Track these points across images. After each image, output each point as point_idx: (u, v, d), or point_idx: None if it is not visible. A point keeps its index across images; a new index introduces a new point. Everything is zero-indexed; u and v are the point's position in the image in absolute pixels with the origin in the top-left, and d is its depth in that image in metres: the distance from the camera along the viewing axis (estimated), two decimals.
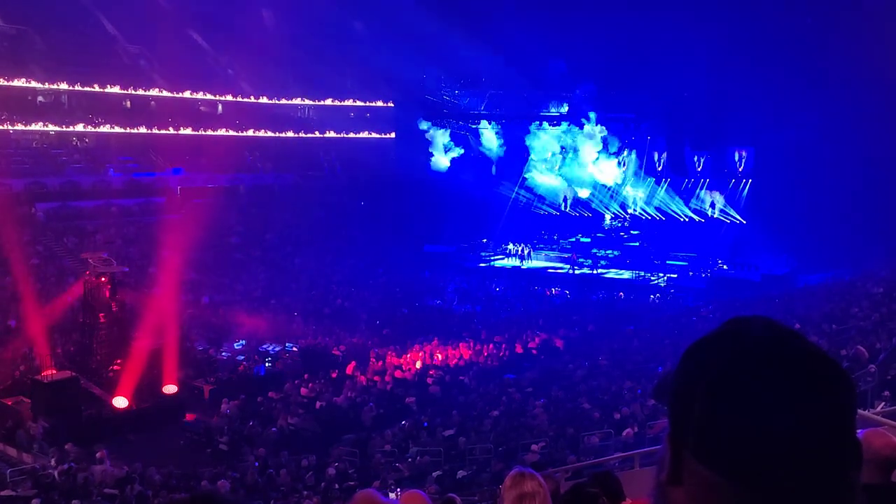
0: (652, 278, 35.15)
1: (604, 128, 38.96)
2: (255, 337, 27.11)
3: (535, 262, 38.23)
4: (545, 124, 40.76)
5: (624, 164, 39.63)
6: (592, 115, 38.92)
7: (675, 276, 35.07)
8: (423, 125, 42.23)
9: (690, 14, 33.24)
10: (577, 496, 4.29)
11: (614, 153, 39.54)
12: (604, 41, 35.42)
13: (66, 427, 19.16)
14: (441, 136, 42.30)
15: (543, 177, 40.96)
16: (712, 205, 37.54)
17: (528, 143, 40.99)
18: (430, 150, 42.41)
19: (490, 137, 42.13)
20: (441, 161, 42.37)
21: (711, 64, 33.10)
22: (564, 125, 40.16)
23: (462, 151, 42.60)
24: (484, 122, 42.14)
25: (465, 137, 42.86)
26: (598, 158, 39.55)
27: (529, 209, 41.41)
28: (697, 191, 37.97)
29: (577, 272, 36.32)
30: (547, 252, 39.16)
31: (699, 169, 38.22)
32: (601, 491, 4.25)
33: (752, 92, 33.31)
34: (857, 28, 30.07)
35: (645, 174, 39.28)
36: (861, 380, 13.11)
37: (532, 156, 41.07)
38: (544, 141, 40.76)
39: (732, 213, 37.12)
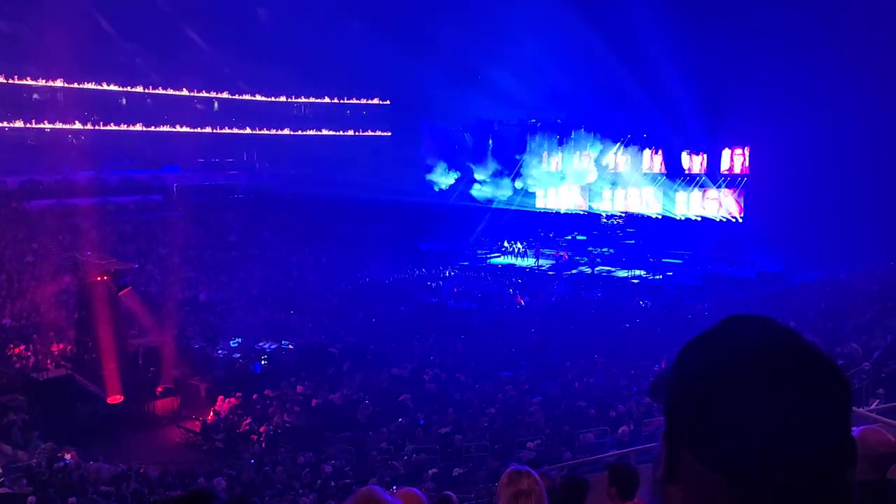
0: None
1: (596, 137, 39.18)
2: (251, 335, 27.10)
3: (530, 261, 38.31)
4: (541, 123, 40.83)
5: (619, 163, 39.67)
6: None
7: (671, 273, 35.15)
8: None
9: (688, 11, 33.28)
10: (569, 485, 4.32)
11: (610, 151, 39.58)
12: (601, 40, 35.43)
13: (62, 425, 19.13)
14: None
15: (539, 174, 40.98)
16: (708, 203, 37.59)
17: (525, 141, 41.04)
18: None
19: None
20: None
21: (708, 62, 33.14)
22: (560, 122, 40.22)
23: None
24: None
25: (462, 138, 42.88)
26: (593, 157, 39.62)
27: (527, 207, 41.44)
28: (693, 189, 38.00)
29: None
30: (543, 250, 39.22)
31: (695, 167, 38.24)
32: (613, 482, 4.23)
33: (749, 91, 33.36)
34: (853, 26, 30.14)
35: (641, 172, 39.31)
36: (856, 377, 13.18)
37: (528, 154, 41.11)
38: (540, 140, 40.81)
39: (729, 210, 37.16)
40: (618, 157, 39.66)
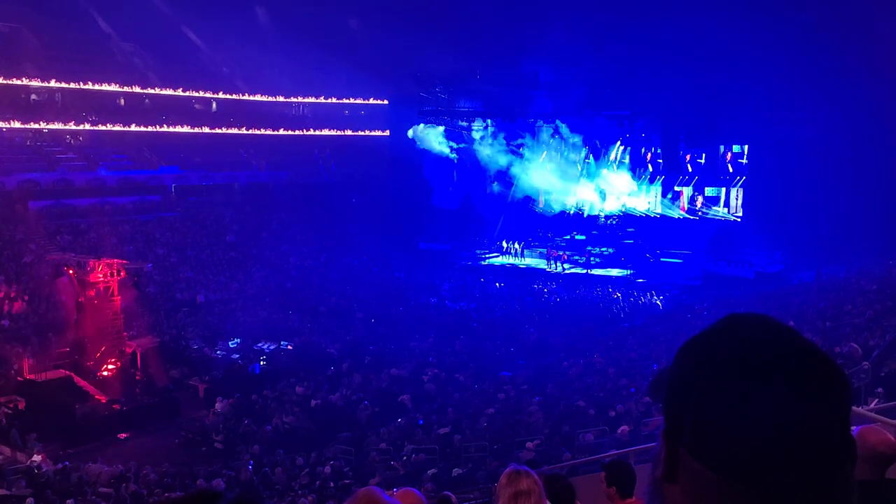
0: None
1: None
2: (250, 335, 27.06)
3: (528, 260, 38.34)
4: (539, 122, 40.80)
5: (618, 162, 39.70)
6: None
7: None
8: (412, 131, 41.85)
9: (686, 11, 33.29)
10: (553, 483, 4.34)
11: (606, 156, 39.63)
12: (600, 39, 35.41)
13: (60, 426, 19.10)
14: (434, 134, 42.09)
15: (538, 174, 40.97)
16: (707, 202, 37.61)
17: (522, 140, 41.04)
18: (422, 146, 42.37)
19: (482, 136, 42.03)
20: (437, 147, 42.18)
21: (706, 61, 33.14)
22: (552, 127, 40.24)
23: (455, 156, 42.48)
24: (478, 123, 41.92)
25: (460, 135, 42.81)
26: (591, 156, 39.67)
27: (525, 207, 41.42)
28: (692, 187, 38.00)
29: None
30: (541, 249, 39.22)
31: (694, 166, 38.24)
32: (611, 481, 4.25)
33: (747, 89, 33.38)
34: (851, 26, 30.17)
35: (639, 172, 39.34)
36: (855, 376, 13.16)
37: (527, 153, 41.10)
38: (539, 139, 40.82)
39: (728, 209, 37.17)
40: (617, 156, 39.69)
